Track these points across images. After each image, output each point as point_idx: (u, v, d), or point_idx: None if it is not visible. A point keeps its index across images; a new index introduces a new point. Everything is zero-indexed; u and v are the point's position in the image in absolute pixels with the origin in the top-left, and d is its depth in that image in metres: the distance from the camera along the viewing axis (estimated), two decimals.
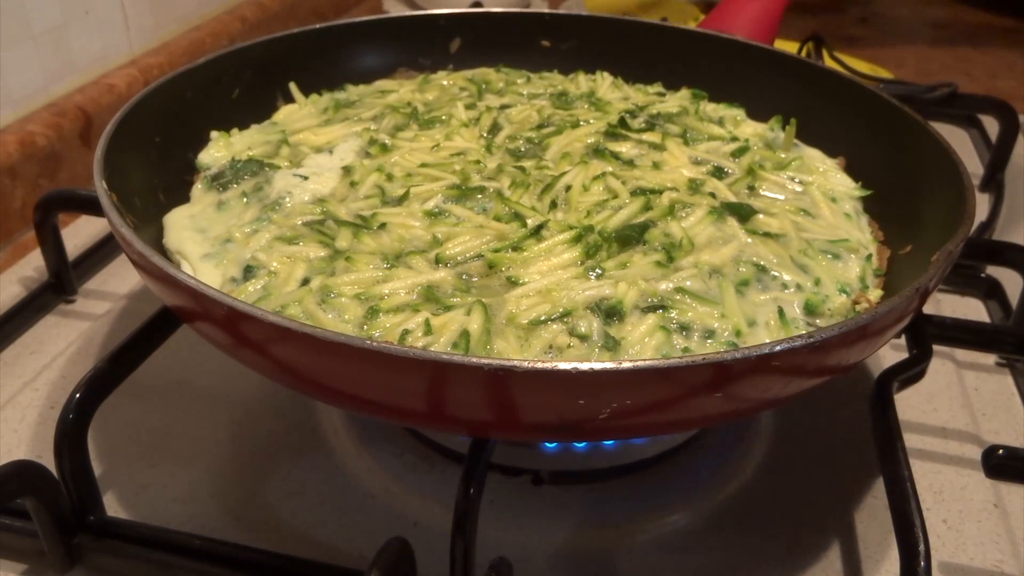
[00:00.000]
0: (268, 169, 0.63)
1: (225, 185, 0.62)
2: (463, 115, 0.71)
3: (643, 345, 0.47)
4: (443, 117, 0.71)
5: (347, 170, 0.63)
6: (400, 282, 0.50)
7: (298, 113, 0.73)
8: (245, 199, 0.60)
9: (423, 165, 0.63)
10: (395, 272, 0.51)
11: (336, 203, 0.59)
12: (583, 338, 0.47)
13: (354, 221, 0.56)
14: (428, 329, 0.46)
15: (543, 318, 0.47)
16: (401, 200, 0.59)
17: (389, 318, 0.48)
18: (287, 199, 0.59)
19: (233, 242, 0.55)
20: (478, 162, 0.64)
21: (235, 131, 0.69)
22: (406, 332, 0.46)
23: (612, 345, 0.47)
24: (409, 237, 0.55)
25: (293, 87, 0.75)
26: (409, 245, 0.54)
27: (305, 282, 0.51)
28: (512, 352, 0.46)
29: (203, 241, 0.56)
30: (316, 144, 0.67)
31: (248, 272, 0.53)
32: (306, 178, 0.62)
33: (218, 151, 0.66)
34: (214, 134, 0.68)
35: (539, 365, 0.37)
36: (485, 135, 0.69)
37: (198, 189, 0.63)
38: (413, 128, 0.70)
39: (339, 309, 0.49)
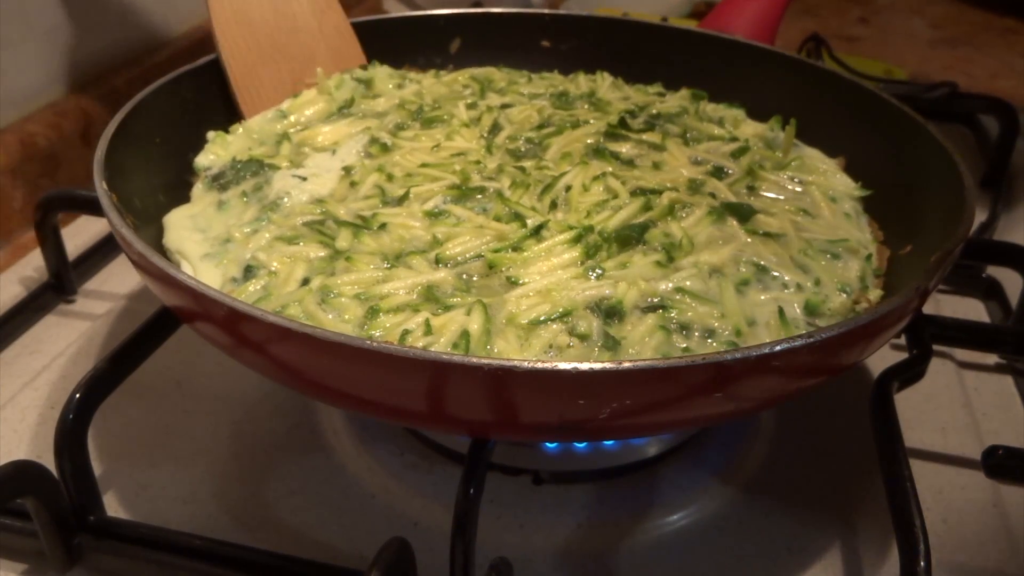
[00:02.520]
0: (268, 169, 0.63)
1: (225, 185, 0.62)
2: (464, 115, 0.71)
3: (643, 345, 0.47)
4: (444, 117, 0.71)
5: (347, 170, 0.63)
6: (400, 282, 0.50)
7: (309, 100, 0.73)
8: (245, 199, 0.60)
9: (423, 165, 0.63)
10: (395, 272, 0.51)
11: (335, 203, 0.59)
12: (583, 338, 0.47)
13: (354, 221, 0.56)
14: (428, 329, 0.46)
15: (543, 318, 0.47)
16: (401, 200, 0.59)
17: (389, 318, 0.48)
18: (285, 199, 0.59)
19: (233, 242, 0.55)
20: (478, 162, 0.64)
21: (236, 127, 0.69)
22: (406, 332, 0.46)
23: (612, 345, 0.47)
24: (409, 237, 0.55)
25: (320, 72, 0.74)
26: (409, 245, 0.54)
27: (305, 282, 0.51)
28: (512, 352, 0.46)
29: (203, 241, 0.56)
30: (319, 145, 0.67)
31: (248, 272, 0.53)
32: (305, 179, 0.61)
33: (215, 151, 0.66)
34: (211, 134, 0.68)
35: (539, 365, 0.37)
36: (485, 135, 0.69)
37: (198, 189, 0.63)
38: (415, 127, 0.70)
39: (339, 309, 0.49)
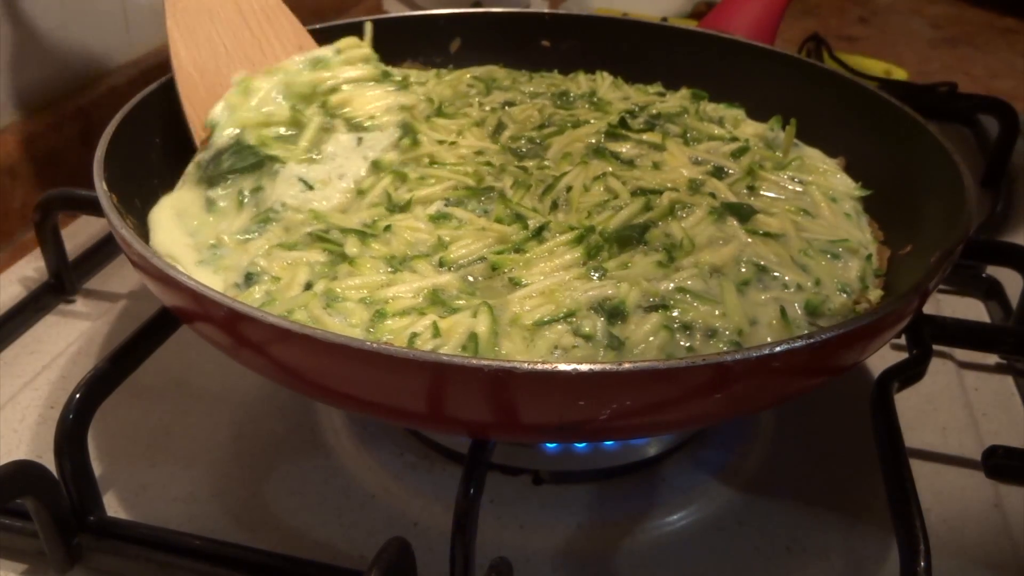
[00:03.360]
0: (276, 163, 0.60)
1: (215, 180, 0.59)
2: (475, 114, 0.71)
3: (647, 344, 0.47)
4: (458, 115, 0.71)
5: (376, 164, 0.62)
6: (406, 286, 0.50)
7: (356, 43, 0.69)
8: (243, 200, 0.58)
9: (433, 163, 0.63)
10: (400, 276, 0.51)
11: (338, 215, 0.57)
12: (587, 338, 0.47)
13: (360, 228, 0.55)
14: (436, 332, 0.46)
15: (547, 319, 0.47)
16: (405, 207, 0.58)
17: (396, 321, 0.48)
18: (286, 210, 0.57)
19: (230, 248, 0.55)
20: (488, 163, 0.63)
21: (274, 69, 0.64)
22: (414, 335, 0.46)
23: (616, 345, 0.47)
24: (415, 240, 0.55)
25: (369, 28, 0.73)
26: (414, 249, 0.54)
27: (308, 286, 0.50)
28: (519, 353, 0.46)
29: (196, 247, 0.55)
30: (355, 116, 0.64)
31: (249, 279, 0.52)
32: (311, 188, 0.59)
33: (233, 104, 0.62)
34: (236, 76, 0.63)
35: (539, 367, 0.37)
36: (491, 135, 0.69)
37: (189, 174, 0.60)
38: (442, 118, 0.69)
39: (345, 313, 0.48)
